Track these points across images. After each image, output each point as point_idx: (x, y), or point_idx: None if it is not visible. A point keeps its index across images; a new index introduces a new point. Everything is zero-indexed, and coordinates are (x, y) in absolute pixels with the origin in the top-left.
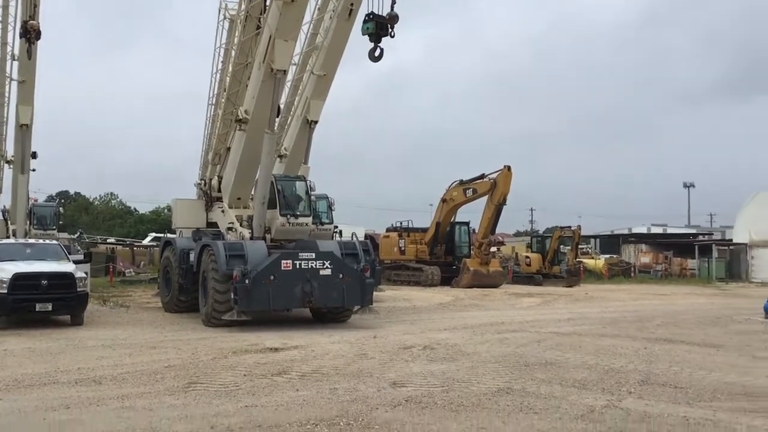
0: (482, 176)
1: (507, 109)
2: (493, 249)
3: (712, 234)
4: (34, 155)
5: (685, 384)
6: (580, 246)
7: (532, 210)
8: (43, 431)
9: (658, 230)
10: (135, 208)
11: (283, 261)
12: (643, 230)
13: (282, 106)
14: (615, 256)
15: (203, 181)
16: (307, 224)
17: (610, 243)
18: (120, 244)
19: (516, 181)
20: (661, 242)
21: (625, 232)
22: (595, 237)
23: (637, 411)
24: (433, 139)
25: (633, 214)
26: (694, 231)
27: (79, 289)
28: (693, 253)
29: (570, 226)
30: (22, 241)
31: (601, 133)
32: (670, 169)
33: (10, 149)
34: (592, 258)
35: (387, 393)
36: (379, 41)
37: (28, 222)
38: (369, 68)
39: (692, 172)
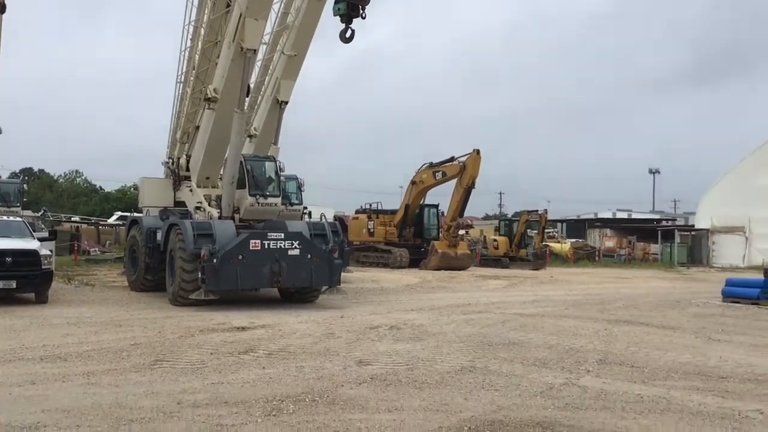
0: (451, 159)
1: (477, 92)
2: (462, 232)
3: (676, 220)
4: None
5: (642, 363)
6: (546, 230)
7: (501, 194)
8: (9, 406)
9: (624, 215)
10: (100, 187)
11: (251, 241)
12: (609, 215)
13: (252, 86)
14: (580, 240)
15: (171, 160)
16: (276, 205)
17: (577, 227)
18: (85, 223)
19: (486, 164)
20: (625, 227)
21: (591, 216)
22: (561, 221)
23: (594, 388)
24: (404, 120)
25: (600, 199)
26: (658, 216)
27: (43, 267)
28: (656, 238)
29: (537, 211)
30: None
31: (570, 118)
32: (636, 155)
33: None
34: (559, 242)
35: (353, 371)
36: (350, 22)
37: None
38: (340, 49)
39: (658, 159)
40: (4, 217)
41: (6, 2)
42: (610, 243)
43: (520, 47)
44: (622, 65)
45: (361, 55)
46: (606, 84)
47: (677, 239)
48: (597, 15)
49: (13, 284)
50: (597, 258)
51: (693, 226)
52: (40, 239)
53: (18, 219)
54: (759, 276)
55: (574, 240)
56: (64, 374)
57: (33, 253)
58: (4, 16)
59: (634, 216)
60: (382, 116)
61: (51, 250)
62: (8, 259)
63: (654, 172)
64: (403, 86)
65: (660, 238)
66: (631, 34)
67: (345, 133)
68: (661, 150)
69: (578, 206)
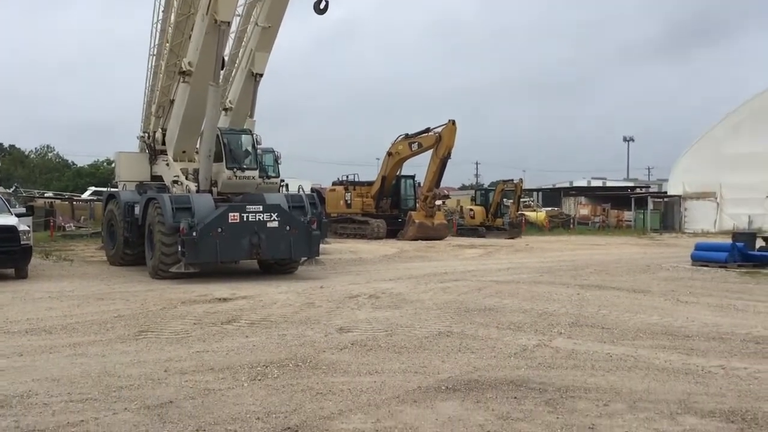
0: (427, 130)
1: (453, 62)
2: (438, 202)
3: (649, 187)
4: None
5: (612, 325)
6: (522, 199)
7: (477, 164)
8: None
9: (598, 183)
10: (73, 162)
11: (230, 214)
12: (584, 183)
13: (226, 59)
14: (556, 209)
15: (146, 134)
16: (253, 177)
17: (552, 196)
18: (58, 199)
19: (462, 135)
20: (599, 195)
21: (567, 185)
22: (537, 190)
23: (565, 349)
24: (379, 92)
25: (575, 168)
26: (632, 184)
27: (22, 243)
28: (630, 206)
29: (512, 180)
30: None
31: (545, 88)
32: (611, 124)
33: None
34: (534, 211)
35: (334, 338)
36: None
37: None
38: (315, 19)
39: (632, 127)
40: None
41: None
42: (584, 211)
43: (495, 17)
44: (598, 36)
45: (336, 24)
46: (583, 54)
47: (650, 206)
48: None
49: None
50: (572, 226)
51: (666, 193)
52: (18, 215)
53: None
54: (729, 241)
55: (549, 209)
56: (50, 346)
57: (12, 229)
58: None
59: (609, 184)
60: (358, 87)
61: (29, 226)
62: None
63: (628, 140)
64: (378, 57)
65: (633, 206)
66: (606, 4)
67: (321, 105)
68: (636, 118)
69: (554, 176)
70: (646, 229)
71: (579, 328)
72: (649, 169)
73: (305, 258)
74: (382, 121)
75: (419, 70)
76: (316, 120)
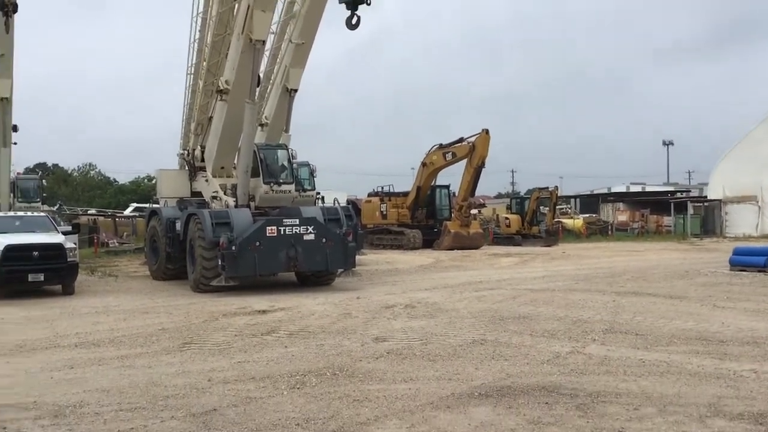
0: (461, 140)
1: (487, 68)
2: (474, 211)
3: (690, 191)
4: (14, 128)
5: (646, 331)
6: (559, 206)
7: (513, 172)
8: (52, 388)
9: (637, 189)
10: (114, 179)
11: (268, 227)
12: (623, 189)
13: (262, 76)
14: (594, 215)
15: (186, 152)
16: (290, 191)
17: (590, 202)
18: (101, 215)
19: (497, 142)
20: (638, 200)
21: (605, 191)
22: (575, 197)
23: (598, 355)
24: (414, 100)
25: (614, 174)
26: (672, 188)
27: (69, 260)
28: (670, 211)
29: (548, 188)
30: (11, 214)
31: (582, 92)
32: (650, 127)
33: None
34: (571, 218)
35: (370, 347)
36: (356, 9)
37: (11, 195)
38: (348, 32)
39: (672, 130)
40: (29, 213)
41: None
42: (623, 217)
43: (527, 21)
44: (633, 36)
45: (368, 35)
46: (618, 56)
47: (690, 210)
48: None
49: (41, 277)
50: (610, 232)
51: (706, 197)
52: (64, 233)
53: (42, 214)
54: None
55: (587, 215)
56: (99, 358)
57: (59, 247)
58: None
59: (648, 189)
60: (392, 97)
61: (75, 243)
62: (36, 253)
63: (668, 143)
64: (411, 66)
65: (673, 210)
66: (642, 2)
67: (355, 116)
68: (676, 121)
69: (592, 182)
70: (686, 234)
71: (613, 335)
72: (689, 172)
73: (341, 269)
74: (416, 130)
75: (453, 78)
76: (351, 131)
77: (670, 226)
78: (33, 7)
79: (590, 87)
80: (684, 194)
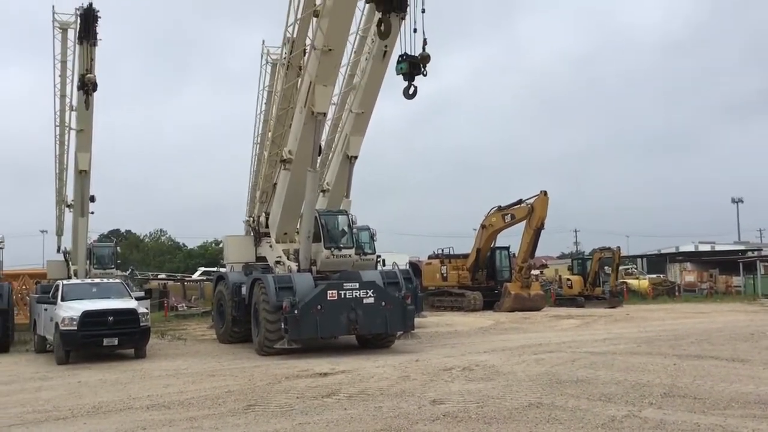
0: (519, 202)
1: (551, 128)
2: (535, 272)
3: (761, 250)
4: (92, 199)
5: (705, 395)
6: (624, 267)
7: (576, 231)
8: None
9: (706, 248)
10: (184, 244)
11: (329, 291)
12: (691, 248)
13: (323, 144)
14: (661, 275)
15: (251, 218)
16: (350, 256)
17: (657, 262)
18: (171, 280)
19: (560, 201)
20: (707, 260)
21: (673, 251)
22: (642, 257)
23: (654, 419)
24: (476, 162)
25: (682, 233)
26: (742, 247)
27: (142, 324)
28: (739, 270)
29: (610, 248)
30: (88, 281)
31: (647, 150)
32: (721, 184)
33: (70, 194)
34: (637, 278)
35: (427, 410)
36: (413, 79)
37: (88, 262)
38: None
39: (743, 187)
40: (105, 280)
41: (97, 81)
42: (690, 277)
43: (593, 81)
44: (696, 92)
45: (432, 96)
46: (682, 113)
47: (761, 270)
48: (671, 40)
49: (116, 341)
50: (677, 293)
51: None
52: (137, 298)
53: (117, 281)
54: None
55: (653, 276)
56: (169, 420)
57: (132, 312)
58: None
59: (718, 248)
60: (455, 158)
61: (147, 308)
62: (110, 319)
63: (737, 201)
64: (473, 127)
65: (742, 270)
66: (706, 59)
67: (417, 178)
68: (746, 178)
69: (660, 241)
70: (756, 295)
71: (671, 399)
72: (761, 231)
73: (401, 332)
74: (479, 190)
75: (517, 137)
76: (414, 193)
77: (740, 287)
78: (115, 87)
79: (656, 144)
80: (755, 253)
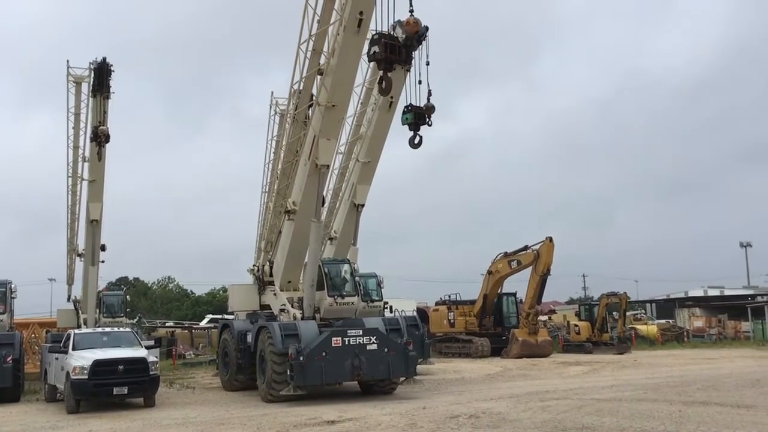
0: (526, 248)
1: (565, 172)
2: (543, 318)
3: None
4: (103, 248)
5: None
6: (633, 312)
7: (584, 276)
8: None
9: (715, 292)
10: (191, 291)
11: (333, 338)
12: (700, 293)
13: (328, 195)
14: (670, 321)
15: (256, 267)
16: (353, 303)
17: (666, 307)
18: (179, 327)
19: (569, 245)
20: (715, 305)
21: (682, 295)
22: (650, 302)
23: None
24: (490, 206)
25: (691, 277)
26: (752, 292)
27: (151, 373)
28: (748, 316)
29: (617, 293)
30: (99, 330)
31: (659, 194)
32: (730, 228)
33: (81, 243)
34: (645, 324)
35: None
36: (418, 129)
37: (97, 310)
38: (426, 141)
39: (753, 231)
40: (115, 329)
41: (110, 133)
42: (698, 323)
43: (610, 126)
44: (706, 140)
45: (447, 140)
46: (695, 157)
47: None
48: (683, 86)
49: (125, 390)
50: (686, 339)
51: None
52: (147, 347)
53: (127, 329)
54: None
55: (662, 321)
56: None
57: (142, 361)
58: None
59: (727, 293)
60: (468, 202)
61: (156, 357)
62: (120, 367)
63: (745, 245)
64: (487, 171)
65: (750, 315)
66: (712, 104)
67: (424, 223)
68: (756, 222)
69: (668, 285)
70: (765, 341)
71: None
72: None
73: (403, 377)
74: (494, 233)
75: (530, 181)
76: (424, 238)
77: (749, 332)
78: (126, 139)
79: (669, 187)
80: (764, 298)
